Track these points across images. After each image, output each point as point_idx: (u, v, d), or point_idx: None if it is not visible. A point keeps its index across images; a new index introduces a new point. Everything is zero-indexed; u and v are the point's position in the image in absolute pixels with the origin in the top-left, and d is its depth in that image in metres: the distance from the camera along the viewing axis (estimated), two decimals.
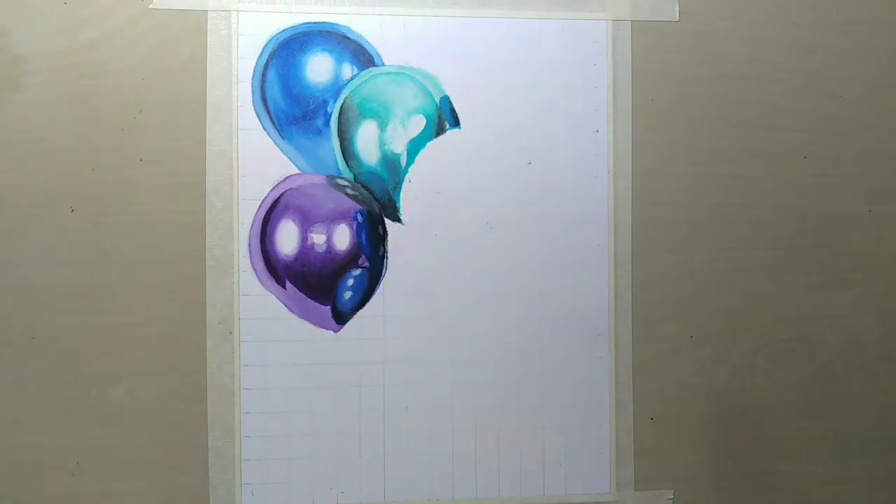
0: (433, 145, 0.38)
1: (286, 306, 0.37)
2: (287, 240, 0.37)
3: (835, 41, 0.40)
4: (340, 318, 0.37)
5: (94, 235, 0.36)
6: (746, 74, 0.39)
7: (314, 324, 0.37)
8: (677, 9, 0.39)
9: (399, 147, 0.38)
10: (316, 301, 0.37)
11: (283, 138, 0.37)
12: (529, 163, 0.38)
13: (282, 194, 0.37)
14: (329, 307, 0.37)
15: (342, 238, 0.37)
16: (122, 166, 0.36)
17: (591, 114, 0.39)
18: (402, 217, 0.38)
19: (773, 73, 0.40)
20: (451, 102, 0.38)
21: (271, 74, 0.37)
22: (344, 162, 0.38)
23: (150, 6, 0.37)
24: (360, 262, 0.37)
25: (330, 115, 0.38)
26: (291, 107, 0.37)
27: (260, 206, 0.37)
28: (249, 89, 0.37)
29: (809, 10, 0.40)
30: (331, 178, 0.38)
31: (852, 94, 0.40)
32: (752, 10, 0.40)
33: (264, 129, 0.37)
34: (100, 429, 0.36)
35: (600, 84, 0.39)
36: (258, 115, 0.37)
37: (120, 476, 0.36)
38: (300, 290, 0.37)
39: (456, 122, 0.38)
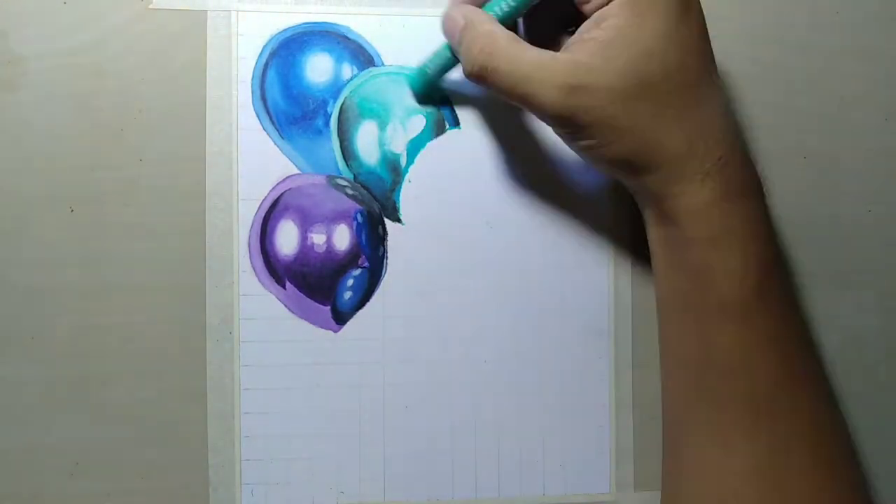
0: (433, 145, 0.38)
1: (286, 306, 0.37)
2: (287, 240, 0.37)
3: (835, 41, 0.40)
4: (340, 318, 0.37)
5: (94, 235, 0.36)
6: (746, 74, 0.39)
7: (314, 324, 0.37)
8: None
9: (399, 147, 0.38)
10: (316, 301, 0.37)
11: (282, 138, 0.37)
12: (530, 163, 0.38)
13: (282, 194, 0.37)
14: (329, 307, 0.37)
15: (342, 238, 0.37)
16: (122, 166, 0.36)
17: None
18: (401, 217, 0.38)
19: (773, 73, 0.40)
20: (451, 102, 0.38)
21: (271, 74, 0.37)
22: (344, 162, 0.38)
23: (150, 6, 0.37)
24: (359, 262, 0.37)
25: (330, 115, 0.38)
26: (291, 107, 0.37)
27: (260, 206, 0.37)
28: (249, 89, 0.37)
29: (809, 10, 0.40)
30: (331, 179, 0.38)
31: (852, 94, 0.40)
32: (752, 10, 0.40)
33: (264, 129, 0.37)
34: (100, 429, 0.36)
35: None
36: (258, 116, 0.37)
37: (120, 476, 0.36)
38: (300, 290, 0.37)
39: (456, 122, 0.38)
